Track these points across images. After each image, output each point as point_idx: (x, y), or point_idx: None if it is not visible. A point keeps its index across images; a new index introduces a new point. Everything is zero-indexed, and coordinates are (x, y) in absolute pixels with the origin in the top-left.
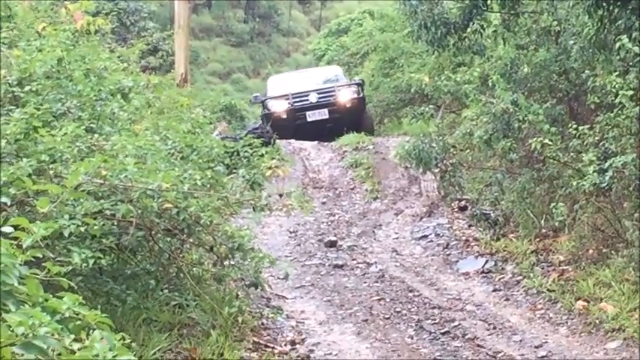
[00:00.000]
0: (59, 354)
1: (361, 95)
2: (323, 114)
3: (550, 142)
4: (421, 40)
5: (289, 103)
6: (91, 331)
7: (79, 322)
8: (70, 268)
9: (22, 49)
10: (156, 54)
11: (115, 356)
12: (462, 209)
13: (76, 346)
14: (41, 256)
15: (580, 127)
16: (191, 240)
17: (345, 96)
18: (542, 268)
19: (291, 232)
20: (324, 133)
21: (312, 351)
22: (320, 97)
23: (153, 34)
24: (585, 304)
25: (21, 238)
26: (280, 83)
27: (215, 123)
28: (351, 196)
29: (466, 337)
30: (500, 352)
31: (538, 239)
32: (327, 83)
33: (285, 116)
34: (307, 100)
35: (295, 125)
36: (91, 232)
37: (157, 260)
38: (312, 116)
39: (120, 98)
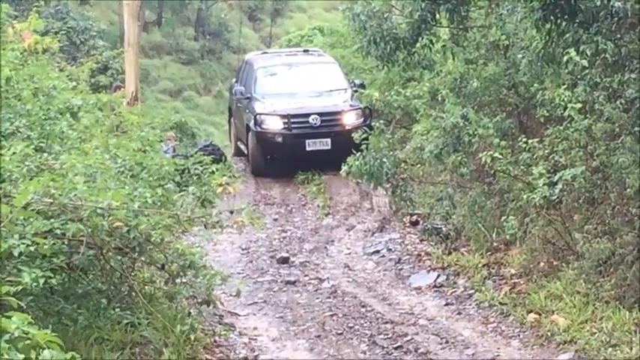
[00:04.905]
0: None
1: (368, 122)
2: (325, 144)
3: (500, 156)
4: (371, 55)
5: (286, 125)
6: (41, 350)
7: (28, 342)
8: (21, 287)
9: None
10: (106, 72)
11: None
12: (414, 224)
13: None
14: None
15: (530, 141)
16: (142, 258)
17: (352, 122)
18: (494, 282)
19: (243, 249)
20: (323, 163)
21: None
22: (322, 122)
23: (103, 52)
24: (537, 316)
25: None
26: (271, 77)
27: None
28: (303, 213)
29: (419, 351)
30: None
31: (489, 253)
32: (312, 64)
33: (280, 140)
34: (307, 122)
35: (291, 153)
36: (41, 251)
37: (108, 279)
38: (311, 145)
39: (69, 117)
